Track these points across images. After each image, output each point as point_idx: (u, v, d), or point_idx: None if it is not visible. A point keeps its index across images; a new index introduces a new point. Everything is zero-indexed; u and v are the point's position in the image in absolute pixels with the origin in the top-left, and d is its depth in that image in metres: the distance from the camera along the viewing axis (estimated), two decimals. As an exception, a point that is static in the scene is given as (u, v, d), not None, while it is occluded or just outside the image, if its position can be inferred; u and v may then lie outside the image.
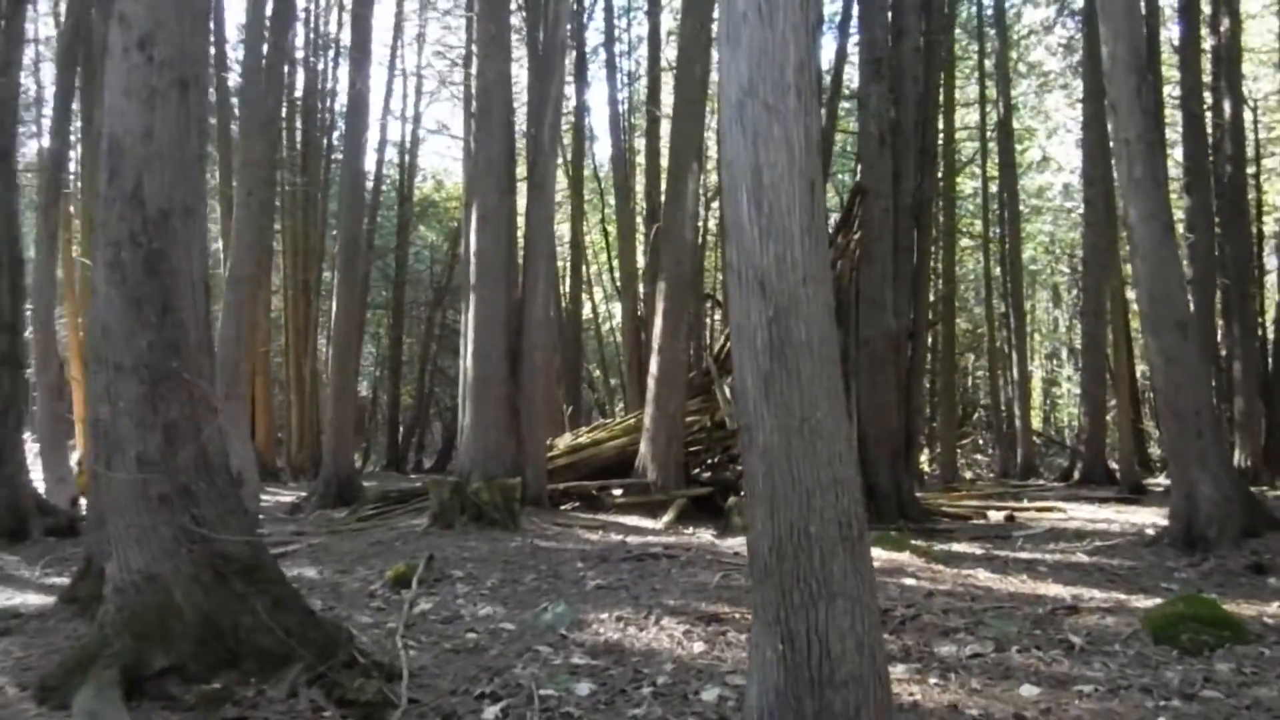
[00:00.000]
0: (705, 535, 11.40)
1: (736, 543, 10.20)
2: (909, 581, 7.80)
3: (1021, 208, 28.57)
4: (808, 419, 3.30)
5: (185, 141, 4.88)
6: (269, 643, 4.90)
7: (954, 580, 8.04)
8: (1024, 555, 9.89)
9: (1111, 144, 10.29)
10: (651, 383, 13.54)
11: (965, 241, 32.27)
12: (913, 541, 10.43)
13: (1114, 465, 21.72)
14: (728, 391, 15.01)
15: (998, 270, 28.41)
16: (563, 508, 13.81)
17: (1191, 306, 11.57)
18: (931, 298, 20.33)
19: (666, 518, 12.25)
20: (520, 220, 14.23)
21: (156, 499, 4.77)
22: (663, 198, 15.97)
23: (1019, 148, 28.60)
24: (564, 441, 15.92)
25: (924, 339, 15.83)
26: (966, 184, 30.50)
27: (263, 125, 13.18)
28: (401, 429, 36.51)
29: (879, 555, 8.98)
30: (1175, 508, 9.74)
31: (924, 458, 28.44)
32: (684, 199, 13.38)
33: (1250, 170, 21.97)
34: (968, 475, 28.16)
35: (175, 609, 4.78)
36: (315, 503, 16.85)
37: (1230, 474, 9.70)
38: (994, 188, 28.19)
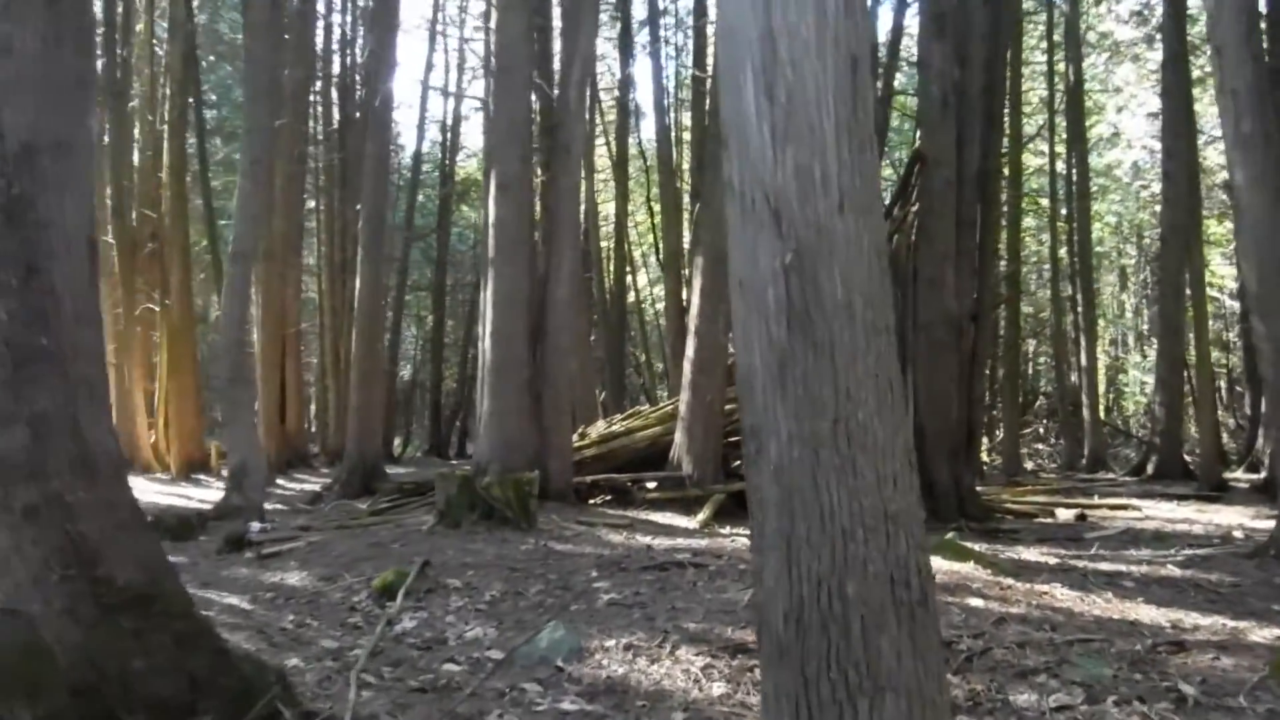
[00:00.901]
0: (741, 538, 10.29)
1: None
2: (975, 602, 6.63)
3: (1090, 186, 26.95)
4: (845, 420, 2.19)
5: (56, 58, 3.84)
6: (167, 691, 3.89)
7: (1027, 600, 6.86)
8: (1104, 566, 8.66)
9: (1217, 96, 8.95)
10: (688, 368, 12.42)
11: (1029, 221, 30.74)
12: (976, 549, 9.24)
13: (1188, 459, 20.30)
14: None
15: (1064, 251, 26.88)
16: (591, 502, 12.77)
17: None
18: (997, 281, 19.01)
19: (701, 516, 11.14)
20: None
21: (20, 512, 3.76)
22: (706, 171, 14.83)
23: (1087, 122, 26.96)
24: (596, 430, 14.87)
25: (987, 323, 14.50)
26: (1031, 160, 28.91)
27: (268, 87, 12.23)
28: (444, 414, 35.73)
29: (938, 567, 7.82)
30: (1285, 515, 8.45)
31: (985, 448, 27.08)
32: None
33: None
34: (1029, 466, 26.71)
35: (44, 652, 3.77)
36: (337, 492, 16.15)
37: (1351, 478, 8.39)
38: (1060, 165, 26.65)
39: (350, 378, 17.97)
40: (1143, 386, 31.26)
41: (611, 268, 28.03)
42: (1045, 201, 28.14)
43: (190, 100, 22.94)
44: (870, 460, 2.21)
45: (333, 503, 15.25)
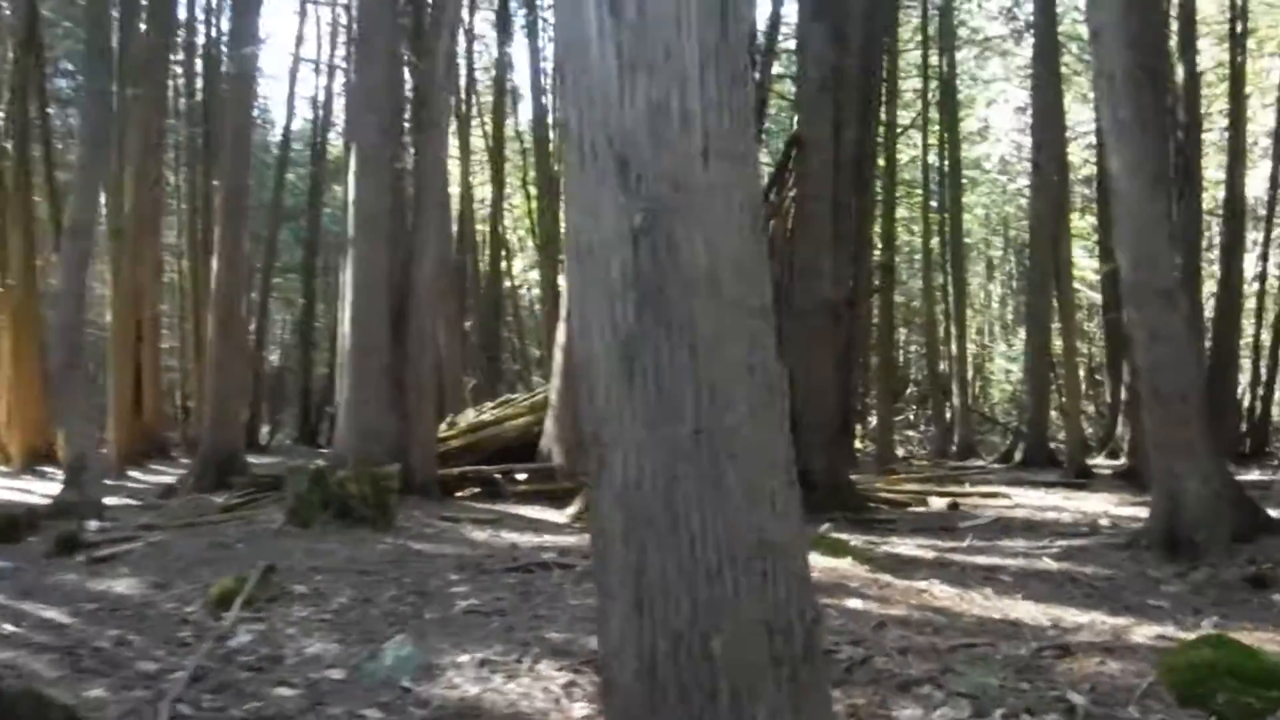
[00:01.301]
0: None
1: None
2: (854, 604, 6.30)
3: (961, 178, 27.32)
4: (709, 426, 1.71)
5: None
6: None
7: (907, 599, 6.57)
8: (981, 560, 8.48)
9: (1094, 81, 8.82)
10: (559, 353, 11.92)
11: (902, 211, 31.08)
12: (853, 542, 8.98)
13: (1055, 447, 20.67)
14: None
15: (935, 241, 27.20)
16: (459, 495, 12.18)
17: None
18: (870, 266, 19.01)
19: (571, 509, 10.66)
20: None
21: None
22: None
23: (959, 115, 27.30)
24: (465, 419, 14.25)
25: (864, 311, 14.37)
26: (905, 152, 29.18)
27: (103, 51, 11.25)
28: (314, 400, 34.40)
29: (816, 564, 7.48)
30: (1157, 506, 8.38)
31: (859, 436, 27.27)
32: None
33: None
34: (901, 454, 27.00)
35: None
36: (191, 485, 15.14)
37: (1221, 468, 8.38)
38: (933, 157, 26.96)
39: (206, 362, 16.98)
40: (1008, 375, 32.00)
41: (487, 252, 27.33)
42: (917, 194, 28.45)
43: (34, 64, 21.37)
44: (742, 476, 1.75)
45: (185, 497, 14.30)
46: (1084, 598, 6.97)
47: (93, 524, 10.56)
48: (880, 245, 22.24)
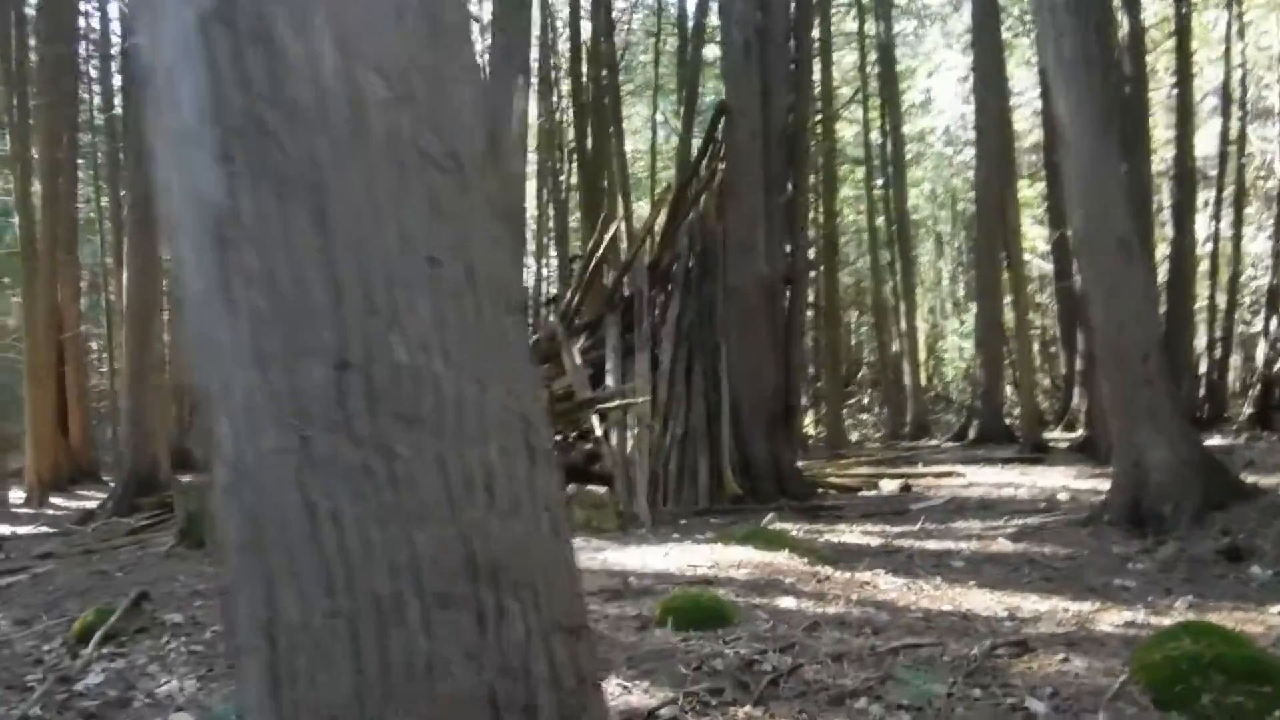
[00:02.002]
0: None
1: (578, 541, 7.97)
2: (786, 603, 5.58)
3: (905, 152, 26.76)
4: (364, 364, 0.94)
5: None
6: None
7: (846, 594, 5.87)
8: (931, 545, 7.80)
9: (1034, 15, 8.17)
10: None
11: (846, 191, 30.51)
12: (793, 532, 8.30)
13: (1010, 422, 20.15)
14: (577, 357, 12.70)
15: (881, 220, 26.64)
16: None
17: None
18: (811, 243, 18.35)
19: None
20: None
21: None
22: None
23: (900, 87, 26.72)
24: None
25: (803, 288, 13.67)
26: (846, 129, 28.60)
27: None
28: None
29: (750, 559, 6.81)
30: (1119, 477, 7.73)
31: (809, 420, 26.66)
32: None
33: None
34: (855, 438, 26.46)
35: None
36: (110, 509, 14.33)
37: (1188, 433, 7.73)
38: (875, 134, 26.37)
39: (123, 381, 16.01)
40: (961, 352, 31.51)
41: None
42: (861, 172, 27.80)
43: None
44: (428, 446, 1.01)
45: (101, 522, 13.46)
46: (1043, 582, 6.30)
47: (-30, 555, 9.71)
48: (822, 221, 21.60)
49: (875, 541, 7.94)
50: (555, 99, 25.48)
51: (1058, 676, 4.18)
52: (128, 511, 13.77)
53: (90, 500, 17.51)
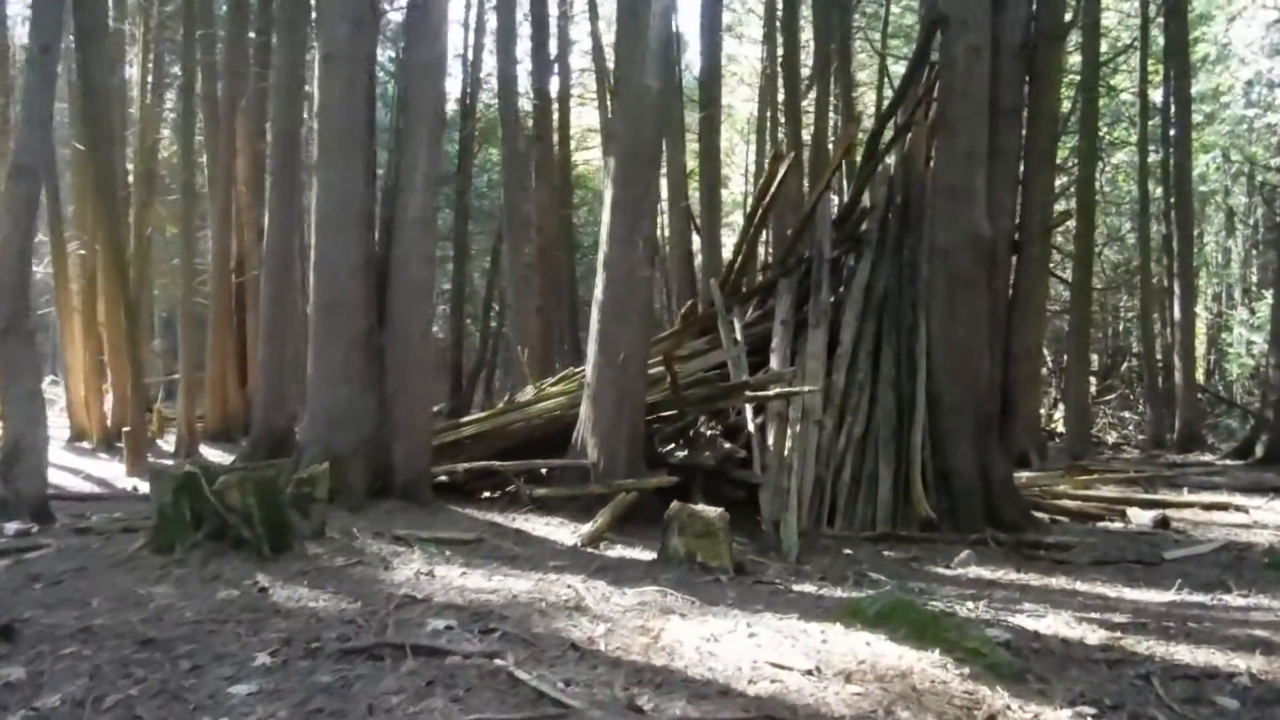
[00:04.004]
0: (637, 561, 6.92)
1: (650, 593, 5.69)
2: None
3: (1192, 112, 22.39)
4: None
5: None
6: None
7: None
8: (1185, 654, 4.91)
9: None
10: (595, 314, 8.86)
11: (1119, 157, 26.41)
12: (968, 605, 5.66)
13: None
14: (737, 330, 10.28)
15: (1158, 189, 22.56)
16: (484, 497, 9.40)
17: None
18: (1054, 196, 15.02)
19: (588, 528, 7.62)
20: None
21: None
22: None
23: (1191, 35, 22.45)
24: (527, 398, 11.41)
25: (1038, 253, 10.60)
26: (1120, 77, 24.51)
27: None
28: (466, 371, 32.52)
29: (873, 664, 4.29)
30: None
31: (1058, 416, 23.00)
32: (642, 26, 8.54)
33: None
34: (1113, 440, 22.63)
35: None
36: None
37: None
38: (1155, 95, 22.26)
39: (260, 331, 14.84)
40: (1249, 348, 26.78)
41: (557, 182, 23.39)
42: (1134, 135, 23.61)
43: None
44: None
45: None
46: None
47: (10, 527, 8.36)
48: (1076, 167, 17.82)
49: (1095, 633, 5.15)
50: None
51: None
52: (261, 469, 12.42)
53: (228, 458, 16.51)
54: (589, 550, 7.26)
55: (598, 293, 8.83)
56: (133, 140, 20.47)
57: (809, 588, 6.31)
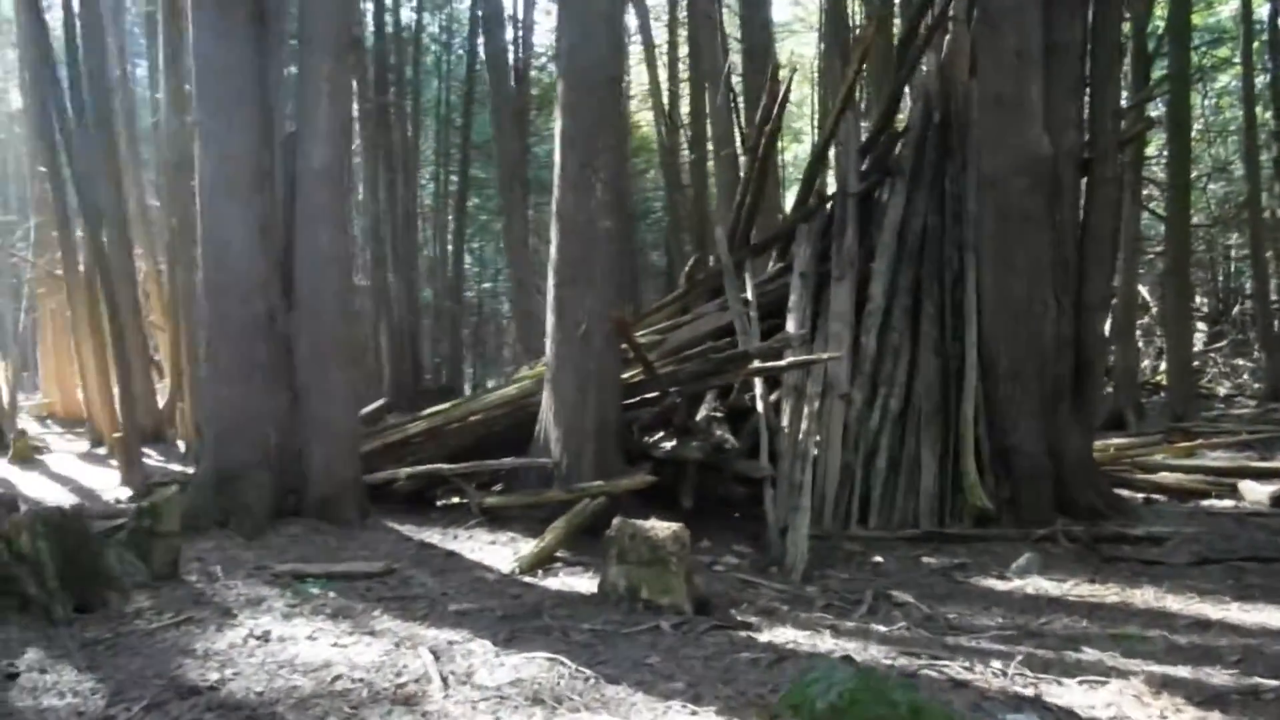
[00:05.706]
0: (576, 596, 5.25)
1: (537, 664, 4.07)
2: None
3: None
4: None
5: None
6: None
7: None
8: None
9: None
10: (551, 276, 7.17)
11: (1222, 79, 23.78)
12: (993, 671, 3.94)
13: None
14: (748, 288, 8.52)
15: (1268, 114, 19.98)
16: (439, 505, 7.83)
17: None
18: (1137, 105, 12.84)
19: (530, 549, 5.97)
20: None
21: None
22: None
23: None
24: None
25: (1112, 172, 8.53)
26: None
27: None
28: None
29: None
30: None
31: (1163, 368, 20.58)
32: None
33: None
34: (1222, 392, 20.13)
35: None
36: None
37: None
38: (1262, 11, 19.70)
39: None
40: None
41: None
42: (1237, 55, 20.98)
43: None
44: None
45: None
46: None
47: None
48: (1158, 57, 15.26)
49: (1179, 714, 3.32)
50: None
51: None
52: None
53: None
54: (525, 580, 5.64)
55: (552, 250, 7.13)
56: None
57: (789, 632, 4.61)
